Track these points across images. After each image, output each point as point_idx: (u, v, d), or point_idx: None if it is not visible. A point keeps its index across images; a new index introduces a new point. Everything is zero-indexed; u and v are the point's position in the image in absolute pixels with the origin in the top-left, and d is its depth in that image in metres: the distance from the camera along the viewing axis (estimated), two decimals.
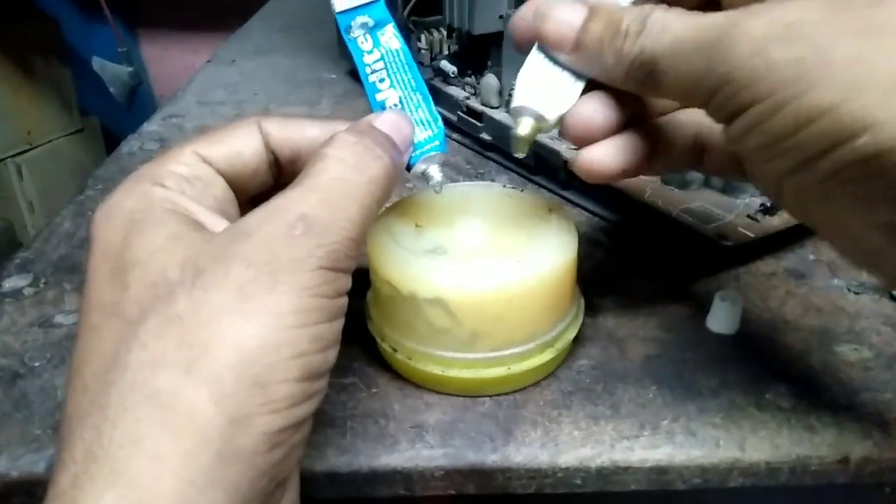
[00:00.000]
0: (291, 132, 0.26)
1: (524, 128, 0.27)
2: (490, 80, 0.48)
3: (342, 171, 0.22)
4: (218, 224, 0.22)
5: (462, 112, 0.50)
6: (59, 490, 0.17)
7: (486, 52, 0.49)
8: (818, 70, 0.19)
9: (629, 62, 0.24)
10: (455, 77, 0.51)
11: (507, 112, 0.47)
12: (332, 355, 0.21)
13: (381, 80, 0.28)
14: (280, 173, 0.27)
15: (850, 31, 0.19)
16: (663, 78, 0.23)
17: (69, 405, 0.19)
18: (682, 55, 0.22)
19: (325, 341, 0.20)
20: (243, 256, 0.20)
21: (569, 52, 0.25)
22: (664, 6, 0.23)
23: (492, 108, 0.48)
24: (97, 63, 1.37)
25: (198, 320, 0.18)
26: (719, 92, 0.21)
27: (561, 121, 0.27)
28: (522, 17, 0.27)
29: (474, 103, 0.49)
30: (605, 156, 0.26)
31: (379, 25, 0.28)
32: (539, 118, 0.26)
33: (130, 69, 1.39)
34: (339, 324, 0.21)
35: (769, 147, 0.21)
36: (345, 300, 0.22)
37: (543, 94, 0.26)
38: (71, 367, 0.20)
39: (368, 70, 0.28)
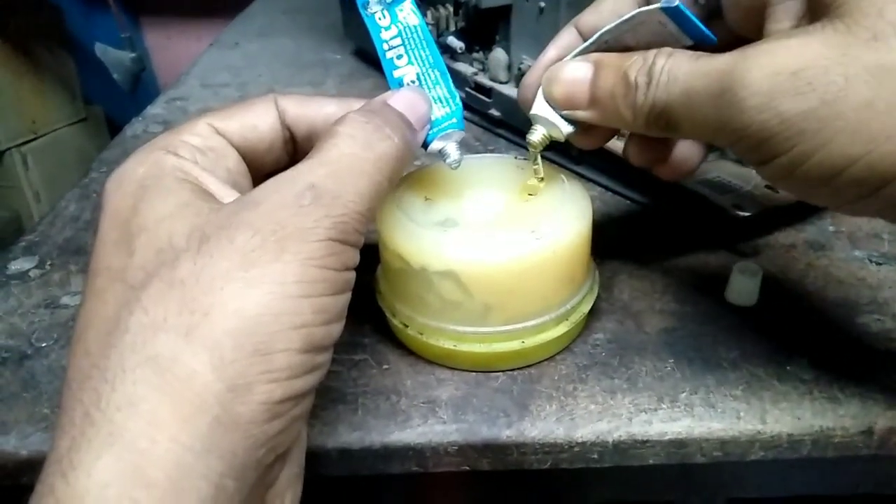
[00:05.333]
0: (307, 109, 0.26)
1: (536, 135, 0.29)
2: (498, 54, 0.47)
3: (352, 146, 0.22)
4: (228, 195, 0.22)
5: (470, 88, 0.50)
6: (58, 454, 0.17)
7: (494, 27, 0.48)
8: (832, 122, 0.19)
9: (645, 115, 0.24)
10: (463, 53, 0.50)
11: (517, 87, 0.47)
12: (336, 329, 0.21)
13: (399, 57, 0.28)
14: (296, 151, 0.27)
15: (856, 75, 0.19)
16: (681, 126, 0.23)
17: (70, 370, 0.19)
18: (694, 106, 0.22)
19: (329, 314, 0.20)
20: (250, 224, 0.19)
21: (585, 108, 0.26)
22: (667, 49, 0.23)
23: (500, 83, 0.48)
24: (100, 49, 1.36)
25: (200, 286, 0.18)
26: (739, 143, 0.21)
27: (573, 135, 0.28)
28: (528, 87, 0.29)
29: (483, 79, 0.49)
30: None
31: (397, 1, 0.28)
32: (552, 128, 0.28)
33: (133, 55, 1.38)
34: (344, 298, 0.21)
35: (809, 190, 0.21)
36: (352, 275, 0.21)
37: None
38: (74, 333, 0.20)
39: (386, 47, 0.28)
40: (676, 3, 0.23)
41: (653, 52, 0.24)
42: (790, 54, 0.20)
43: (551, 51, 0.29)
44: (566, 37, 0.29)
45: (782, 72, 0.19)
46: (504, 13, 0.46)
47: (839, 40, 0.19)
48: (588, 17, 0.28)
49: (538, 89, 0.28)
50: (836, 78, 0.19)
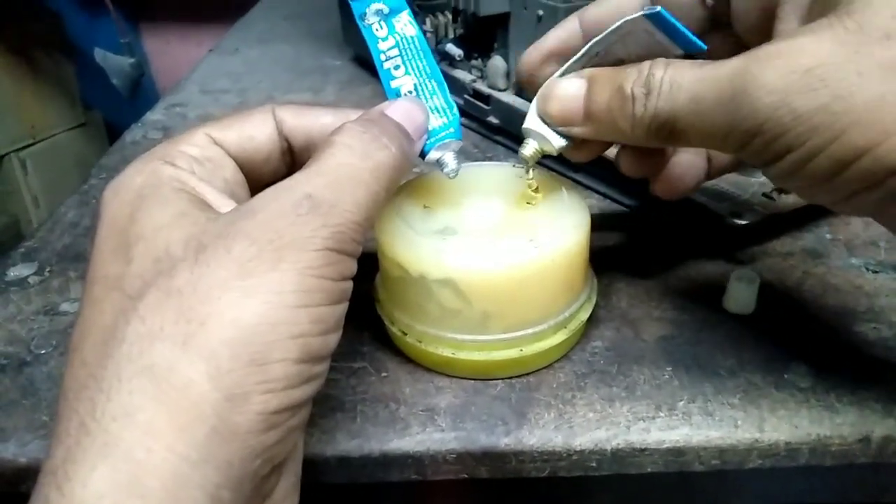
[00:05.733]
0: (305, 119, 0.26)
1: (528, 149, 0.29)
2: (497, 62, 0.47)
3: (349, 156, 0.22)
4: (225, 205, 0.22)
5: (469, 95, 0.50)
6: (53, 464, 0.17)
7: (493, 34, 0.48)
8: (844, 115, 0.19)
9: (646, 126, 0.24)
10: (461, 60, 0.50)
11: (516, 95, 0.47)
12: (333, 340, 0.21)
13: (396, 68, 0.28)
14: (293, 161, 0.27)
15: (868, 71, 0.19)
16: (686, 134, 0.23)
17: (66, 379, 0.19)
18: (701, 112, 0.22)
19: (326, 324, 0.20)
20: (247, 234, 0.19)
21: (580, 124, 0.26)
22: (663, 60, 0.23)
23: (499, 90, 0.48)
24: (99, 54, 1.36)
25: (197, 295, 0.18)
26: (749, 144, 0.21)
27: (565, 149, 0.28)
28: (528, 63, 0.30)
29: (481, 86, 0.49)
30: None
31: (394, 12, 0.28)
32: (544, 143, 0.28)
33: (132, 60, 1.38)
34: (341, 308, 0.21)
35: (815, 186, 0.21)
36: (349, 285, 0.21)
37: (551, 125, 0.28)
38: (71, 341, 0.20)
39: (383, 57, 0.28)
40: (658, 8, 0.23)
41: (647, 63, 0.24)
42: (803, 53, 0.20)
43: (552, 37, 0.29)
44: (569, 25, 0.29)
45: (796, 70, 0.20)
46: (502, 21, 0.46)
47: (851, 38, 0.20)
48: (592, 11, 0.29)
49: (538, 66, 0.28)
50: (848, 74, 0.19)
